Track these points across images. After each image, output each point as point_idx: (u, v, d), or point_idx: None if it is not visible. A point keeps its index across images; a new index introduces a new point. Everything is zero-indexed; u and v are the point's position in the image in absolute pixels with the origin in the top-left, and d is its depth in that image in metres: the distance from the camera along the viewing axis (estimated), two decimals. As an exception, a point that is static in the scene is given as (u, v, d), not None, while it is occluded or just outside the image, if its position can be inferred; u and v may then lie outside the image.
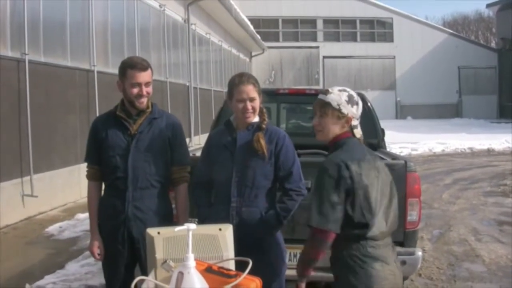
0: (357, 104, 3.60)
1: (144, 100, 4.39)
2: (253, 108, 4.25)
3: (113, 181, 4.43)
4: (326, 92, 3.61)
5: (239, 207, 4.20)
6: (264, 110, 4.37)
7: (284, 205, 4.21)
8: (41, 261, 8.11)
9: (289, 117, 9.18)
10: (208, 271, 3.06)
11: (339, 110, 3.54)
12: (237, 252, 3.81)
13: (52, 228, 9.79)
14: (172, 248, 3.28)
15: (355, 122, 3.60)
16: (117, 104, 4.52)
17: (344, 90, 3.61)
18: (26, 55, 10.54)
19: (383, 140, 7.84)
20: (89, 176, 4.60)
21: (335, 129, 3.57)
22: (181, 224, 4.20)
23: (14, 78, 10.38)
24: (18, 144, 10.45)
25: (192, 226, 3.09)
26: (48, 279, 7.15)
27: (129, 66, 4.37)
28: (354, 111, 3.58)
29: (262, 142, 4.17)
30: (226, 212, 4.20)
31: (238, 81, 4.27)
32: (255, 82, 4.29)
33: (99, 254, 4.52)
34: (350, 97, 3.58)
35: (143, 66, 4.36)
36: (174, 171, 4.51)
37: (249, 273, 3.13)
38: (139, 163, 4.37)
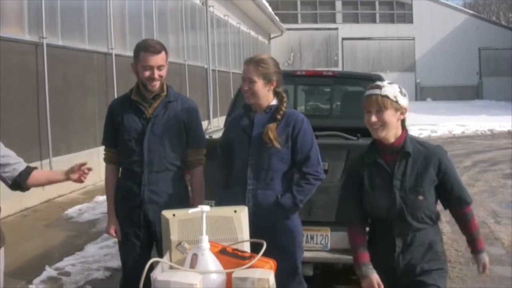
0: (406, 95, 3.64)
1: (157, 84, 4.38)
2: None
3: (129, 164, 4.45)
4: (377, 86, 3.59)
5: (255, 190, 4.23)
6: (283, 93, 4.37)
7: (301, 189, 4.22)
8: (61, 243, 8.18)
9: (307, 99, 9.15)
10: (222, 253, 3.08)
11: (397, 102, 3.55)
12: (253, 234, 3.84)
13: (72, 211, 9.86)
14: (187, 230, 3.30)
15: (406, 114, 3.65)
16: (132, 87, 4.53)
17: (392, 83, 3.64)
18: (44, 39, 10.57)
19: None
20: (106, 159, 4.63)
21: (394, 122, 3.57)
22: (197, 206, 4.28)
23: (32, 62, 10.43)
24: (37, 127, 10.51)
25: (206, 208, 3.11)
26: (67, 261, 7.21)
27: (142, 49, 4.37)
28: (407, 102, 3.62)
29: (271, 135, 4.17)
30: (242, 195, 4.23)
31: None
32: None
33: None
34: (401, 89, 3.62)
35: (156, 49, 4.35)
36: (190, 154, 4.52)
37: (264, 255, 3.19)
38: (155, 147, 4.38)
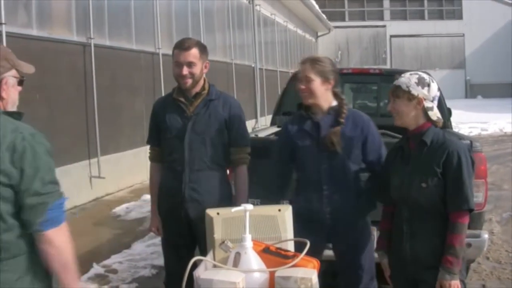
0: (428, 85, 3.69)
1: (188, 81, 4.38)
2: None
3: (171, 162, 4.48)
4: (396, 77, 3.74)
5: (331, 194, 4.20)
6: (340, 93, 4.34)
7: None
8: (108, 241, 8.27)
9: (354, 97, 9.09)
10: (265, 252, 3.07)
11: (409, 92, 3.65)
12: (331, 238, 4.26)
13: (119, 209, 9.96)
14: (231, 229, 3.31)
15: (428, 103, 3.69)
16: (175, 87, 4.55)
17: (416, 73, 3.74)
18: (91, 39, 10.70)
19: (449, 120, 7.68)
20: (151, 158, 4.69)
21: (409, 111, 3.68)
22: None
23: (80, 62, 10.56)
24: (85, 127, 10.64)
25: (250, 206, 3.10)
26: (114, 258, 7.29)
27: (175, 47, 4.43)
28: (425, 92, 3.67)
29: (335, 139, 4.13)
30: (317, 200, 4.22)
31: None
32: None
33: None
34: (420, 79, 3.69)
35: (185, 46, 4.37)
36: (233, 152, 4.51)
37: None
38: (195, 145, 4.39)
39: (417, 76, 3.70)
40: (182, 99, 4.46)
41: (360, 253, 4.26)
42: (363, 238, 4.30)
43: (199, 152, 4.40)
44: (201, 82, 4.47)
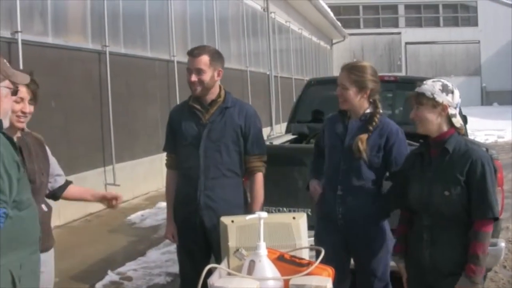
0: (452, 92, 3.69)
1: (197, 88, 4.37)
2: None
3: (186, 170, 4.47)
4: (419, 84, 3.73)
5: (345, 196, 4.24)
6: (378, 101, 4.33)
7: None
8: (123, 248, 8.27)
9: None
10: (280, 260, 3.07)
11: (433, 99, 3.64)
12: (343, 239, 4.22)
13: (134, 216, 9.97)
14: (245, 237, 3.31)
15: (452, 110, 3.68)
16: (191, 94, 4.54)
17: (438, 80, 3.73)
18: (106, 47, 10.75)
19: (465, 127, 7.63)
20: (168, 165, 4.69)
21: (432, 119, 3.67)
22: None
23: (95, 69, 10.61)
24: (101, 134, 10.68)
25: (264, 214, 3.09)
26: (129, 265, 7.28)
27: (187, 53, 4.46)
28: (450, 99, 3.66)
29: (361, 146, 4.16)
30: (332, 200, 4.28)
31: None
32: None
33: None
34: (444, 86, 3.68)
35: (195, 52, 4.39)
36: (249, 160, 4.49)
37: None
38: (211, 153, 4.38)
39: (440, 83, 3.69)
40: (198, 106, 4.45)
41: (372, 259, 4.27)
42: (376, 244, 4.28)
43: (214, 159, 4.38)
44: (216, 89, 4.46)
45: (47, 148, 3.99)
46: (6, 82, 2.85)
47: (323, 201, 4.37)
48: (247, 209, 4.46)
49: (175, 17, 13.85)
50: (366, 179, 4.23)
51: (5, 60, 2.94)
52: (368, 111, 4.27)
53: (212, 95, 4.44)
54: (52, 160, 4.00)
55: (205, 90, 4.39)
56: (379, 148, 4.21)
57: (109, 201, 4.15)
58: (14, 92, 2.94)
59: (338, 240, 4.20)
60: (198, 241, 4.45)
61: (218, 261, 3.78)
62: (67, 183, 4.10)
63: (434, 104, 3.64)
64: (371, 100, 4.28)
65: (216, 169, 4.39)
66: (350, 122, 4.30)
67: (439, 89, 3.65)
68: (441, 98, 3.63)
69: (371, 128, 4.21)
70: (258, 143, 4.54)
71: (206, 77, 4.36)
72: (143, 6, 12.57)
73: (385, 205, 4.22)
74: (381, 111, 4.30)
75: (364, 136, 4.18)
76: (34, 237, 2.94)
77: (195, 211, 4.39)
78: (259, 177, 4.53)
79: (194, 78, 4.34)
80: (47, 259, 3.81)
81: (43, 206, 3.76)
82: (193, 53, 4.38)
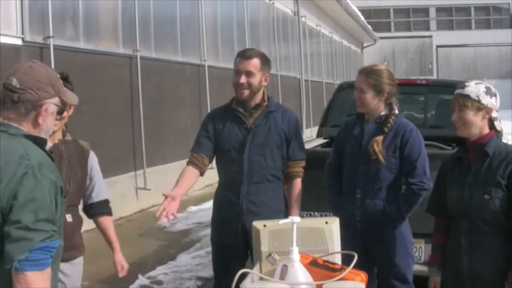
0: (495, 95, 3.65)
1: (245, 91, 4.34)
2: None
3: (229, 174, 4.44)
4: (463, 86, 3.65)
5: (363, 199, 4.28)
6: (394, 104, 4.35)
7: (406, 199, 4.26)
8: (154, 252, 8.29)
9: (400, 108, 8.96)
10: (312, 265, 3.03)
11: (479, 101, 3.58)
12: (360, 242, 4.19)
13: (165, 220, 9.94)
14: (278, 241, 3.28)
15: (495, 114, 3.64)
16: (233, 98, 4.51)
17: (481, 83, 3.68)
18: (137, 52, 10.80)
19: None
20: (191, 162, 4.48)
21: (477, 121, 3.60)
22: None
23: (126, 74, 10.67)
24: (132, 139, 10.73)
25: (297, 219, 3.06)
26: (159, 270, 7.30)
27: (237, 54, 4.44)
28: (494, 102, 3.62)
29: (376, 148, 4.19)
30: (351, 203, 4.31)
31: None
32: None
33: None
34: (488, 89, 3.63)
35: (247, 54, 4.37)
36: (289, 165, 4.48)
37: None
38: (255, 157, 4.36)
39: (484, 85, 3.63)
40: (242, 110, 4.42)
41: (392, 261, 4.28)
42: (395, 247, 4.28)
43: (258, 164, 4.36)
44: (261, 93, 4.45)
45: (92, 158, 3.98)
46: (56, 99, 2.76)
47: (341, 206, 4.38)
48: (287, 214, 4.42)
49: (206, 21, 13.89)
50: (384, 181, 4.26)
51: (58, 75, 2.85)
52: (383, 113, 4.31)
53: (256, 99, 4.43)
54: (96, 175, 4.02)
55: (252, 94, 4.37)
56: (395, 148, 4.25)
57: (116, 266, 4.19)
58: (61, 111, 2.89)
59: (359, 244, 4.16)
60: (238, 245, 4.42)
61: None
62: (103, 209, 4.15)
63: (479, 106, 3.57)
64: (387, 102, 4.31)
65: (260, 174, 4.37)
66: (366, 125, 4.33)
67: (484, 91, 3.59)
68: (486, 100, 3.57)
69: (386, 129, 4.25)
70: (300, 148, 4.54)
71: (255, 80, 4.34)
72: (174, 10, 12.62)
73: (402, 207, 4.22)
74: (396, 112, 4.33)
75: (380, 138, 4.22)
76: None
77: (237, 216, 4.37)
78: (299, 183, 4.53)
79: (243, 80, 4.32)
80: (67, 270, 3.81)
81: (67, 217, 3.75)
82: (246, 55, 4.37)
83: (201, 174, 4.52)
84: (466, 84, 3.66)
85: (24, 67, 2.71)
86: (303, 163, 4.54)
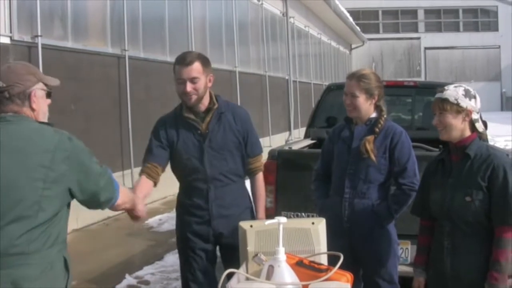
0: (474, 97, 3.66)
1: (193, 97, 4.20)
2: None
3: (193, 181, 4.34)
4: (442, 90, 3.68)
5: (352, 199, 4.32)
6: (383, 106, 4.40)
7: (396, 199, 4.31)
8: (141, 252, 8.29)
9: (388, 110, 8.98)
10: (299, 265, 3.05)
11: (458, 104, 3.60)
12: (348, 242, 4.22)
13: (152, 221, 9.97)
14: (264, 242, 3.29)
15: (475, 115, 3.65)
16: (181, 104, 4.37)
17: (460, 86, 3.70)
18: (126, 51, 10.80)
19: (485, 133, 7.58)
20: (144, 172, 4.32)
21: (457, 124, 3.62)
22: (260, 214, 4.40)
23: (115, 73, 10.66)
24: (120, 139, 10.72)
25: (283, 219, 3.07)
26: (147, 269, 7.30)
27: (175, 62, 4.25)
28: (473, 104, 3.64)
29: (368, 147, 4.25)
30: (339, 203, 4.34)
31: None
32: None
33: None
34: (466, 91, 3.65)
35: (187, 61, 4.16)
36: (250, 162, 4.46)
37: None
38: (216, 162, 4.29)
39: (462, 88, 3.65)
40: (193, 117, 4.31)
41: (379, 261, 4.32)
42: (381, 247, 4.33)
43: (220, 168, 4.30)
44: (208, 95, 4.32)
45: None
46: (40, 85, 3.01)
47: (329, 206, 4.41)
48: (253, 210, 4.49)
49: (194, 21, 13.89)
50: (373, 181, 4.30)
51: (35, 67, 3.11)
52: (373, 115, 4.37)
53: (205, 102, 4.31)
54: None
55: (199, 99, 4.24)
56: (385, 149, 4.29)
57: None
58: (49, 94, 3.08)
59: (345, 244, 4.17)
60: (209, 250, 4.39)
61: (230, 266, 3.73)
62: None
63: (458, 109, 3.59)
64: (377, 104, 4.37)
65: (224, 177, 4.32)
66: (356, 128, 4.38)
67: (462, 94, 3.61)
68: (465, 103, 3.59)
69: (377, 130, 4.30)
70: (256, 144, 4.51)
71: (201, 85, 4.20)
72: (163, 11, 12.62)
73: (391, 206, 4.27)
74: (385, 115, 4.37)
75: (371, 137, 4.27)
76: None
77: (208, 221, 4.33)
78: (261, 177, 4.55)
79: (189, 88, 4.17)
80: None
81: None
82: (185, 62, 4.17)
83: (155, 184, 4.36)
84: (445, 88, 3.68)
85: (3, 69, 2.98)
86: (261, 157, 4.55)
